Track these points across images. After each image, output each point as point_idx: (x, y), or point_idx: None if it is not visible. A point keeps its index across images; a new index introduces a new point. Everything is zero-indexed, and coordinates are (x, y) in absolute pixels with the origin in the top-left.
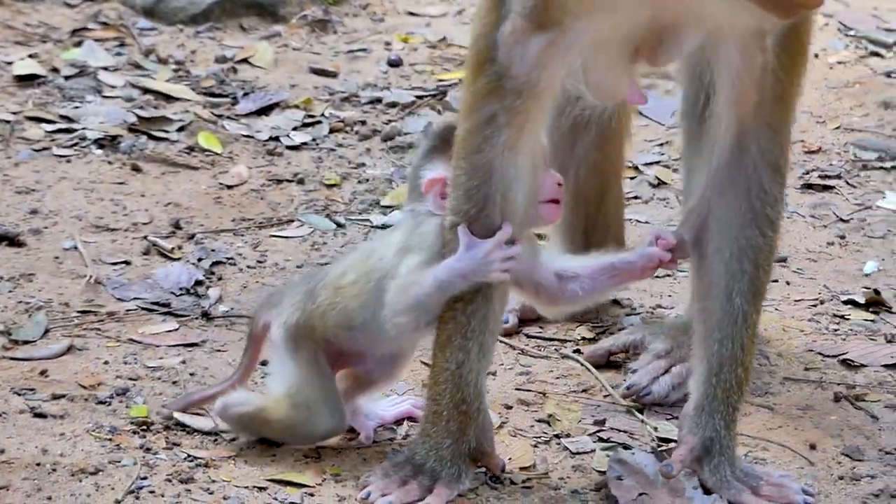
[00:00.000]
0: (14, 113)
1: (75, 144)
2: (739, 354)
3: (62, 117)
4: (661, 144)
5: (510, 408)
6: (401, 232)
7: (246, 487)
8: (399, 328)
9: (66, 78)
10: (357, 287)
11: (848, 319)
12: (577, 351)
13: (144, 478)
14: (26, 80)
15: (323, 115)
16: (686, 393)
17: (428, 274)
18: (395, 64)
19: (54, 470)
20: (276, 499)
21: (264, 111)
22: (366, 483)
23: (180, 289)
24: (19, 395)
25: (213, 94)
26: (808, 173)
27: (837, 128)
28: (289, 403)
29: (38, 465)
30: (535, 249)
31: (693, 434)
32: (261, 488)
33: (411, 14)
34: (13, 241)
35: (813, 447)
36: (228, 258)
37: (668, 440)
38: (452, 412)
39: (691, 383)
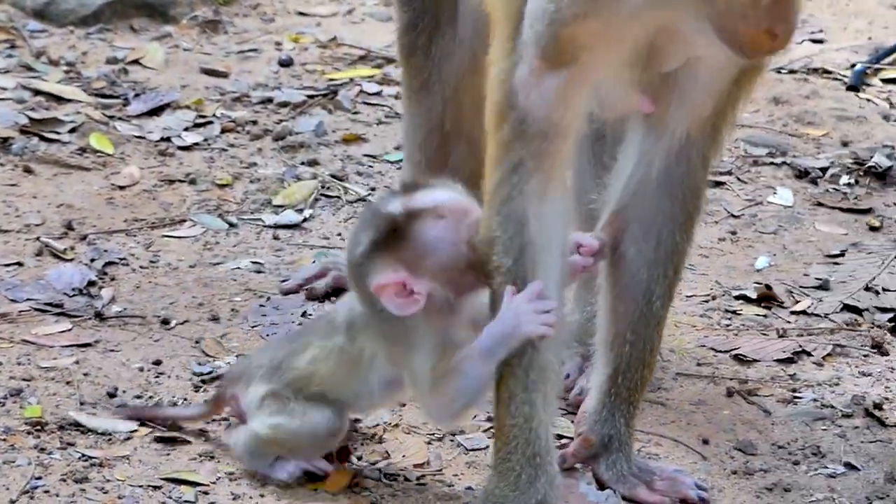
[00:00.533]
0: None
1: None
2: (647, 357)
3: None
4: None
5: (404, 405)
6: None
7: (140, 486)
8: (453, 414)
9: None
10: (332, 375)
11: (740, 315)
12: None
13: (39, 478)
14: None
15: (214, 115)
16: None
17: (466, 353)
18: (285, 64)
19: None
20: (170, 497)
21: (156, 112)
22: None
23: (73, 289)
24: None
25: (104, 96)
26: None
27: None
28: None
29: None
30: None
31: (593, 432)
32: (155, 487)
33: (301, 14)
34: None
35: (706, 442)
36: (121, 258)
37: (562, 436)
38: (525, 465)
39: (593, 381)
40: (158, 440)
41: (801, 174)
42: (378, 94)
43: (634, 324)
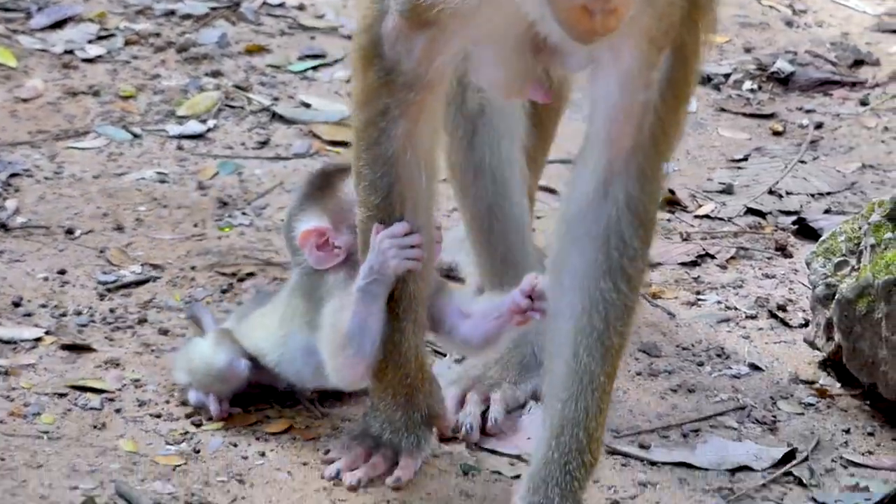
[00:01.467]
0: None
1: None
2: (582, 417)
3: None
4: None
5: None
6: (299, 297)
7: (46, 394)
8: (344, 367)
9: None
10: (265, 331)
11: None
12: None
13: None
14: None
15: (117, 27)
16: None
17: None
18: None
19: None
20: (76, 405)
21: (59, 25)
22: (330, 459)
23: None
24: None
25: (6, 9)
26: None
27: None
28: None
29: None
30: (443, 286)
31: (522, 500)
32: (61, 395)
33: None
34: None
35: None
36: (25, 170)
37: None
38: (398, 387)
39: (533, 447)
40: (64, 348)
41: (704, 80)
42: (281, 5)
43: (564, 380)
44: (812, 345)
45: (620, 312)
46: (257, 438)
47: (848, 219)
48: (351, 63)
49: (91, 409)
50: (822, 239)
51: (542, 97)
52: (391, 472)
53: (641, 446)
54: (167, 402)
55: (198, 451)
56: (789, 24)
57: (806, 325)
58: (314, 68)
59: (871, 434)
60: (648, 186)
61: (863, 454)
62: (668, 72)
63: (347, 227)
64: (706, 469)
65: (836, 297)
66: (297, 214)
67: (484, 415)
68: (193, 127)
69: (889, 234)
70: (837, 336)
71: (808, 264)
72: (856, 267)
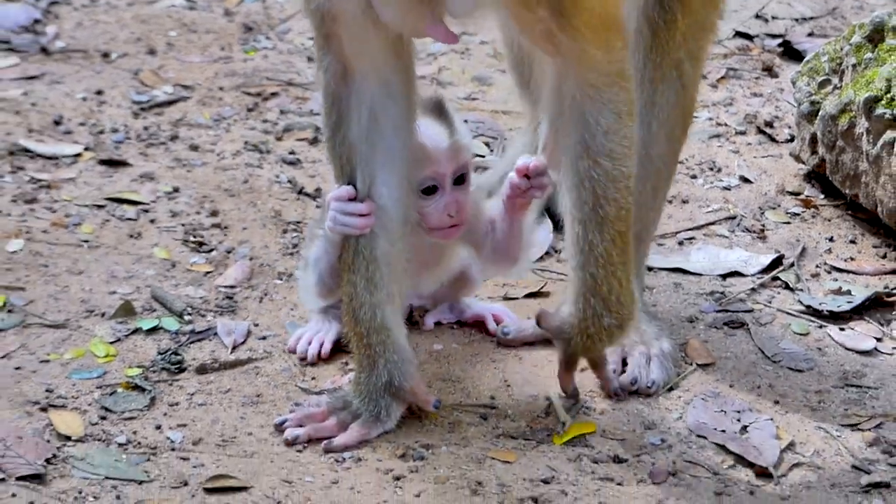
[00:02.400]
0: None
1: None
2: (591, 284)
3: None
4: None
5: None
6: None
7: (86, 206)
8: (304, 287)
9: None
10: None
11: None
12: None
13: None
14: None
15: None
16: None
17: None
18: None
19: None
20: (113, 215)
21: None
22: (291, 409)
23: (19, 27)
24: None
25: None
26: None
27: None
28: None
29: None
30: (479, 204)
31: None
32: (100, 206)
33: None
34: None
35: None
36: None
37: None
38: (358, 345)
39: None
40: (102, 163)
41: None
42: None
43: (570, 250)
44: (797, 158)
45: (606, 184)
46: (283, 255)
47: (830, 40)
48: None
49: (127, 219)
50: (805, 59)
51: (446, 38)
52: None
53: None
54: (198, 213)
55: (228, 256)
56: None
57: (791, 140)
58: None
59: (853, 242)
60: (601, 67)
61: (845, 260)
62: None
63: None
64: (700, 274)
65: (819, 114)
66: None
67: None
68: None
69: (869, 55)
70: (821, 150)
71: (793, 83)
72: (838, 85)
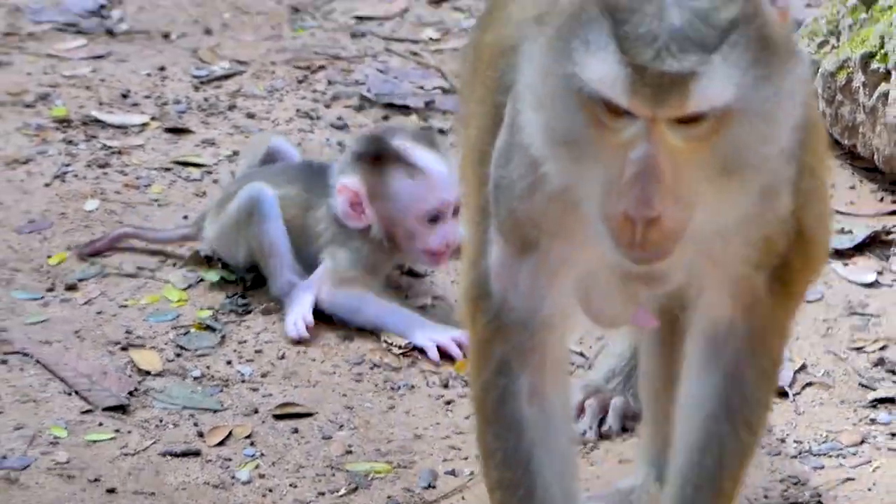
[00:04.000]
0: None
1: None
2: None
3: None
4: None
5: None
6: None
7: (154, 169)
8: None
9: None
10: None
11: None
12: None
13: (68, 164)
14: None
15: None
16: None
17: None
18: None
19: None
20: (179, 177)
21: None
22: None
23: (87, 11)
24: None
25: None
26: None
27: None
28: None
29: None
30: None
31: None
32: (167, 169)
33: None
34: None
35: None
36: None
37: None
38: None
39: None
40: (167, 130)
41: None
42: None
43: (699, 490)
44: None
45: (735, 457)
46: None
47: (826, 4)
48: (460, 316)
49: (193, 180)
50: (805, 23)
51: (649, 321)
52: None
53: None
54: None
55: None
56: None
57: None
58: None
59: (852, 188)
60: (782, 343)
61: (846, 204)
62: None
63: (376, 203)
64: None
65: (819, 71)
66: (346, 163)
67: (601, 423)
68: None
69: (864, 15)
70: (821, 105)
71: None
72: (835, 45)
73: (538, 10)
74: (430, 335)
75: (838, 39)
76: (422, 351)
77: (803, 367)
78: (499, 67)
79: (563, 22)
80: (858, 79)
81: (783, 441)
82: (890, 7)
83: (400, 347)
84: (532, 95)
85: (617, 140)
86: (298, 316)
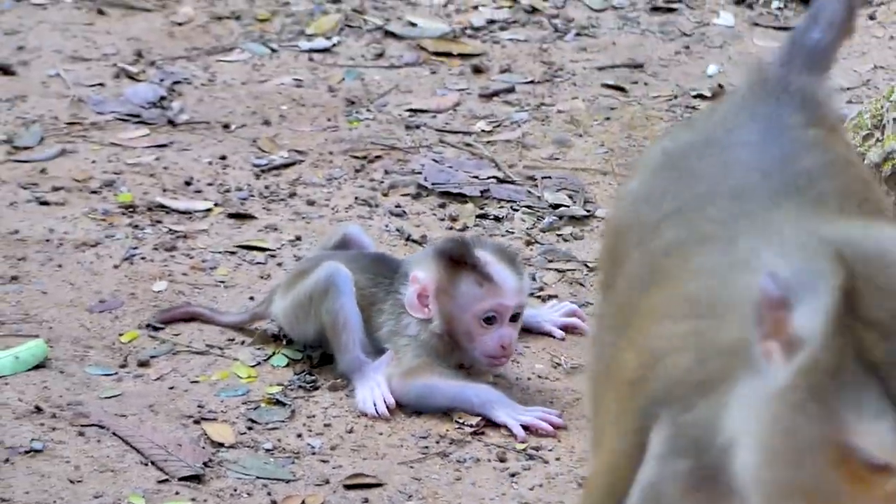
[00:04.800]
0: None
1: None
2: None
3: None
4: None
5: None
6: (390, 301)
7: (219, 252)
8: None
9: None
10: None
11: (698, 109)
12: None
13: (136, 248)
14: None
15: None
16: None
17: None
18: None
19: (61, 244)
20: (245, 260)
21: None
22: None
23: (148, 103)
24: (25, 188)
25: None
26: None
27: None
28: None
29: (47, 241)
30: None
31: None
32: (231, 252)
33: None
34: (6, 71)
35: None
36: (185, 78)
37: None
38: None
39: None
40: (230, 216)
41: (739, 0)
42: None
43: None
44: None
45: None
46: None
47: (871, 100)
48: None
49: (257, 263)
50: (850, 118)
51: None
52: None
53: None
54: None
55: None
56: None
57: None
58: None
59: None
60: None
61: None
62: None
63: (440, 299)
64: None
65: (864, 162)
66: (424, 257)
67: None
68: (321, 43)
69: None
70: None
71: None
72: (880, 138)
73: (731, 336)
74: (512, 413)
75: (882, 133)
76: (494, 426)
77: None
78: (648, 392)
79: (812, 377)
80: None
81: None
82: None
83: (472, 426)
84: (756, 444)
85: (875, 492)
86: (371, 393)
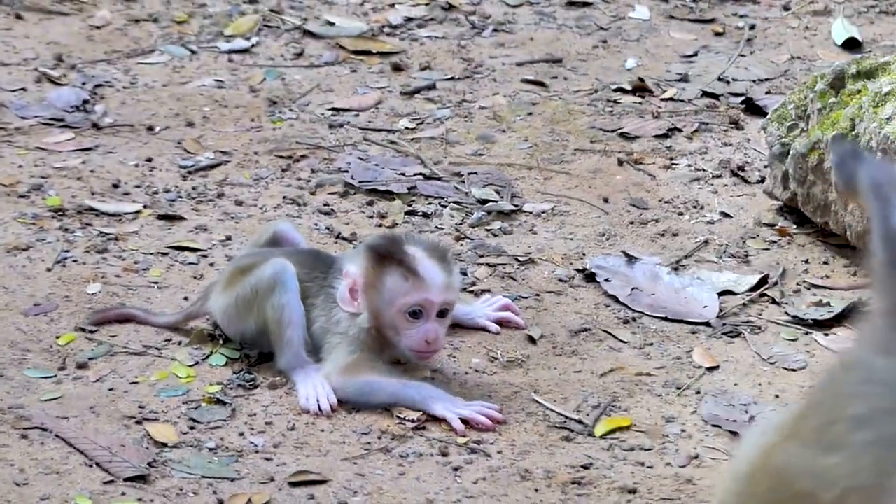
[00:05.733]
0: None
1: None
2: None
3: None
4: None
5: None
6: (323, 296)
7: (151, 254)
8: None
9: None
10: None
11: (620, 103)
12: None
13: (67, 251)
14: None
15: None
16: None
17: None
18: None
19: None
20: (176, 261)
21: None
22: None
23: (71, 106)
24: None
25: None
26: None
27: None
28: None
29: None
30: None
31: None
32: (163, 254)
33: None
34: None
35: (606, 200)
36: (107, 81)
37: None
38: None
39: None
40: (160, 217)
41: None
42: None
43: None
44: (770, 195)
45: None
46: None
47: (794, 90)
48: None
49: (189, 263)
50: (774, 108)
51: None
52: None
53: None
54: None
55: None
56: None
57: (762, 181)
58: None
59: (826, 263)
60: None
61: (821, 278)
62: None
63: (368, 293)
64: None
65: (790, 153)
66: (359, 252)
67: None
68: (240, 43)
69: (833, 99)
70: (793, 185)
71: (763, 129)
72: (805, 128)
73: None
74: (451, 407)
75: (807, 123)
76: (435, 420)
77: None
78: None
79: None
80: (830, 159)
81: None
82: (858, 91)
83: (413, 421)
84: None
85: None
86: (314, 390)
